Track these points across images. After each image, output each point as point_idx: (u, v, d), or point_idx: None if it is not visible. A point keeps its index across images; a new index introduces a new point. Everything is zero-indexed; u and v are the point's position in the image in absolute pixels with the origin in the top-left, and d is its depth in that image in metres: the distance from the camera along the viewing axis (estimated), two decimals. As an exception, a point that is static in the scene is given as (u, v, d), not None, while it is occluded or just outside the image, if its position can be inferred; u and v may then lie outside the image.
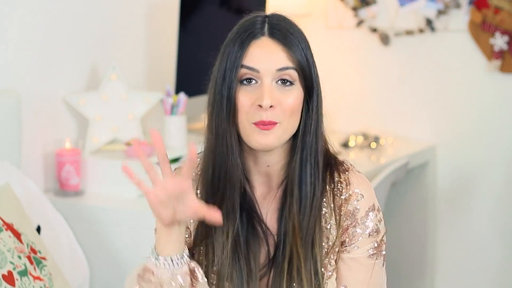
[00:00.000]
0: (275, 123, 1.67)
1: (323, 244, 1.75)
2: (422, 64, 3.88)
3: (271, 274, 1.74)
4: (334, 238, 1.75)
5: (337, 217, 1.75)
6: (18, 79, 2.90)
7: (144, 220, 2.80)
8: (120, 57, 3.28)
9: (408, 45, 3.91)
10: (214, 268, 1.73)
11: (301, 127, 1.72)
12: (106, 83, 3.07)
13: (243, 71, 1.69)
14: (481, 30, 3.72)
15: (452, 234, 3.90)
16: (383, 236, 1.77)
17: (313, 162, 1.72)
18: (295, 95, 1.69)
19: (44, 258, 2.49)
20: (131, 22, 3.37)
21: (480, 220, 3.83)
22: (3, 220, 2.42)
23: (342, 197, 1.75)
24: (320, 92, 1.74)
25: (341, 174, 1.76)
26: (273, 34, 1.70)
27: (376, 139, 3.79)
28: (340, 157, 1.80)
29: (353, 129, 3.95)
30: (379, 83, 3.99)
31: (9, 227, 2.42)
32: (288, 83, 1.69)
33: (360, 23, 3.97)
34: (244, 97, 1.68)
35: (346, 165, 1.79)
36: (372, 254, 1.76)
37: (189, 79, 3.35)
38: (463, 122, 3.83)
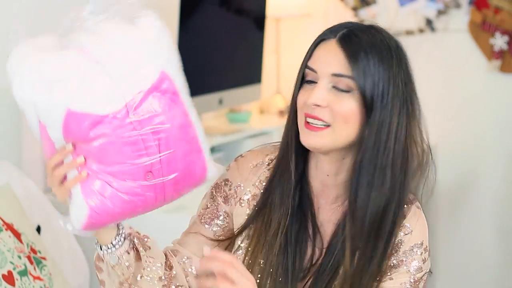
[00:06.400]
0: (323, 124, 1.63)
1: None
2: (422, 64, 3.88)
3: (310, 280, 1.70)
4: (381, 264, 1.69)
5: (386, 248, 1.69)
6: (18, 79, 2.90)
7: (144, 220, 2.79)
8: (120, 57, 3.28)
9: (408, 45, 3.88)
10: (261, 261, 1.70)
11: (357, 139, 1.64)
12: (106, 83, 3.07)
13: (306, 71, 1.68)
14: (481, 30, 3.72)
15: (452, 234, 3.90)
16: (423, 275, 1.70)
17: (381, 188, 1.65)
18: (349, 103, 1.63)
19: (44, 258, 2.49)
20: (131, 22, 3.37)
21: (480, 220, 3.83)
22: (3, 220, 2.42)
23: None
24: (392, 111, 1.68)
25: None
26: (342, 40, 1.66)
27: (376, 139, 3.79)
28: (411, 195, 1.74)
29: (353, 129, 3.94)
30: (379, 83, 3.99)
31: (9, 227, 2.42)
32: (343, 90, 1.64)
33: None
34: (301, 95, 1.67)
35: (411, 203, 1.73)
36: None
37: (189, 79, 3.34)
38: (463, 122, 3.83)
